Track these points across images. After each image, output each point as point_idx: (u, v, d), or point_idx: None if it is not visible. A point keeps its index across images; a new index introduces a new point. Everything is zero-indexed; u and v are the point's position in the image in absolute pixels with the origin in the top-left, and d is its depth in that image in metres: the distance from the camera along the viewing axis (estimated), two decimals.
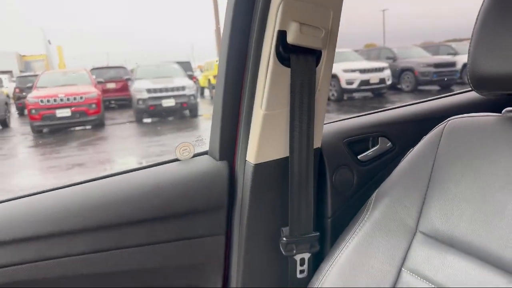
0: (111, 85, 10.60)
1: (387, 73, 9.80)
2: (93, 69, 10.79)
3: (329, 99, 10.00)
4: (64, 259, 0.72)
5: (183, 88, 9.29)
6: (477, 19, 0.64)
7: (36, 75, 10.68)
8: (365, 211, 0.77)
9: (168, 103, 9.04)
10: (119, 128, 8.86)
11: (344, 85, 9.92)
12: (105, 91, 9.92)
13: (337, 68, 10.40)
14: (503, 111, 0.68)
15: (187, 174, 0.85)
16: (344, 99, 9.92)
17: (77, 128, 8.61)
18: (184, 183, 0.83)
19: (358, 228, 0.76)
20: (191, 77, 11.05)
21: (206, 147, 0.93)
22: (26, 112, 10.57)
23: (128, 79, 10.49)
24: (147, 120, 9.30)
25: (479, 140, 0.67)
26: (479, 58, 0.62)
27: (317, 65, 0.78)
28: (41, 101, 7.91)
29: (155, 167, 0.87)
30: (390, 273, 0.71)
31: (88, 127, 8.62)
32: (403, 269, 0.70)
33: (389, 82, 9.75)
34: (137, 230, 0.78)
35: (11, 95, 11.25)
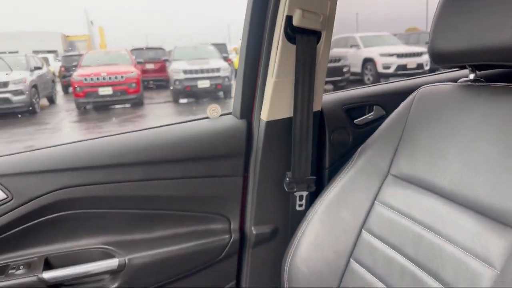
0: (149, 66, 11.02)
1: (425, 58, 9.62)
2: (133, 49, 11.25)
3: (365, 83, 9.97)
4: (123, 183, 1.00)
5: (218, 69, 9.57)
6: (437, 6, 0.83)
7: (80, 55, 11.30)
8: (352, 160, 1.00)
9: (203, 84, 9.35)
10: (157, 107, 9.30)
11: (380, 69, 9.86)
12: (144, 71, 10.36)
13: (374, 52, 10.32)
14: (458, 81, 0.88)
15: (215, 129, 1.10)
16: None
17: (117, 106, 9.11)
18: (212, 135, 1.09)
19: (345, 173, 0.99)
20: (226, 59, 11.31)
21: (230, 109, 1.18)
22: (70, 90, 11.22)
23: (166, 60, 10.88)
24: (183, 100, 9.68)
25: (438, 103, 0.87)
26: (437, 38, 0.82)
27: (317, 43, 1.00)
28: (85, 79, 8.44)
29: (190, 122, 1.13)
30: (366, 204, 0.93)
31: (128, 105, 9.10)
32: (375, 201, 0.92)
33: (427, 68, 9.58)
34: (175, 166, 1.04)
35: (56, 74, 11.95)
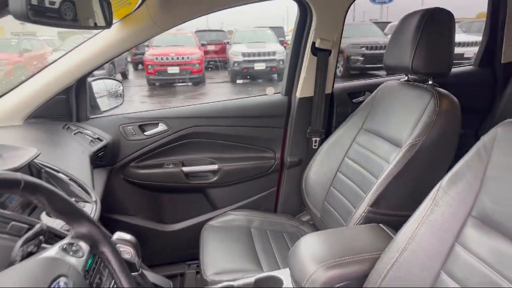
0: (211, 47, 12.07)
1: (473, 49, 9.72)
2: (197, 31, 12.37)
3: None
4: (220, 126, 1.94)
5: (274, 53, 10.38)
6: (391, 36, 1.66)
7: None
8: (345, 122, 1.85)
9: (260, 66, 10.24)
10: (216, 86, 10.37)
11: None
12: (205, 52, 11.44)
13: None
14: (400, 80, 1.70)
15: (270, 101, 2.01)
16: None
17: (180, 84, 10.26)
18: (268, 104, 2.00)
19: (340, 128, 1.85)
20: (283, 42, 12.04)
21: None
22: (140, 67, 12.50)
23: (227, 43, 11.87)
24: (240, 81, 10.66)
25: (389, 90, 1.70)
26: (387, 56, 1.65)
27: (329, 56, 1.86)
28: (156, 58, 9.66)
29: (256, 97, 2.04)
30: (348, 144, 1.79)
31: (189, 84, 10.24)
32: (353, 142, 1.78)
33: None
34: (247, 120, 1.97)
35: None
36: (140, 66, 12.40)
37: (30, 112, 1.61)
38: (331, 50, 1.87)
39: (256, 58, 10.25)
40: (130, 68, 12.87)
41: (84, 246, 0.75)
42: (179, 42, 10.40)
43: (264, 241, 1.69)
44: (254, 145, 2.02)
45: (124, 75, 11.64)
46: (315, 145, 1.98)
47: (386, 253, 1.01)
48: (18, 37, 11.69)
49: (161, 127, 1.89)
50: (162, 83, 10.16)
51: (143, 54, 10.42)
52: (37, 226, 0.79)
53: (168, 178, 1.93)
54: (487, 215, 0.85)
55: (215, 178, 1.97)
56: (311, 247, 1.17)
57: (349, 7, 1.85)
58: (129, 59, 12.67)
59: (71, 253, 0.71)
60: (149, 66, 9.62)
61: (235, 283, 1.26)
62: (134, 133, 1.86)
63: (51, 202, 0.71)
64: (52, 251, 0.71)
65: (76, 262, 0.70)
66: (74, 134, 1.61)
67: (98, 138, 1.68)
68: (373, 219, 1.35)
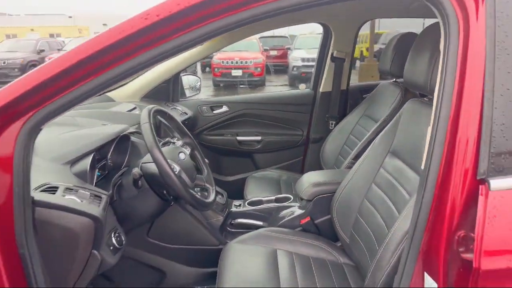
0: (273, 52, 13.04)
1: None
2: (261, 37, 13.41)
3: None
4: (262, 109, 2.82)
5: None
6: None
7: None
8: (353, 110, 2.64)
9: None
10: (275, 89, 11.28)
11: None
12: (267, 57, 12.43)
13: None
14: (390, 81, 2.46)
15: (301, 94, 2.88)
16: None
17: (242, 86, 11.28)
18: (300, 96, 2.86)
19: (350, 114, 2.64)
20: None
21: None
22: (207, 69, 13.73)
23: (288, 49, 12.76)
24: (298, 85, 11.47)
25: (382, 88, 2.47)
26: (380, 64, 2.43)
27: (344, 63, 2.67)
28: (222, 62, 10.81)
29: (291, 90, 2.89)
30: (352, 126, 2.58)
31: (250, 86, 11.22)
32: (356, 124, 2.57)
33: None
34: (282, 106, 2.83)
35: None
36: (207, 69, 13.65)
37: (144, 93, 2.61)
38: (345, 59, 2.67)
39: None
40: (198, 70, 14.15)
41: (189, 147, 1.68)
42: (244, 47, 11.45)
43: (287, 188, 2.54)
44: (288, 124, 2.88)
45: None
46: (331, 127, 2.79)
47: (346, 177, 1.82)
48: None
49: (224, 108, 2.83)
50: (225, 85, 11.27)
51: (211, 58, 11.57)
52: (166, 139, 1.73)
53: (227, 144, 2.85)
54: (395, 150, 1.55)
55: (258, 146, 2.86)
56: (309, 176, 2.01)
57: (360, 27, 2.66)
58: (198, 64, 13.93)
59: (183, 148, 1.64)
60: (216, 69, 10.79)
61: (263, 198, 2.13)
62: (206, 111, 2.81)
63: (177, 125, 1.66)
64: (177, 144, 1.65)
65: (186, 150, 1.63)
66: (171, 109, 2.58)
67: (184, 112, 2.64)
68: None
